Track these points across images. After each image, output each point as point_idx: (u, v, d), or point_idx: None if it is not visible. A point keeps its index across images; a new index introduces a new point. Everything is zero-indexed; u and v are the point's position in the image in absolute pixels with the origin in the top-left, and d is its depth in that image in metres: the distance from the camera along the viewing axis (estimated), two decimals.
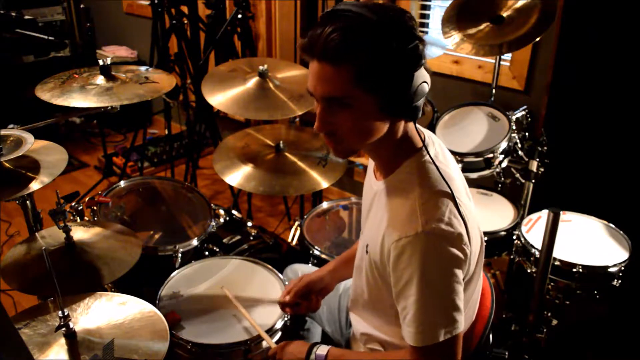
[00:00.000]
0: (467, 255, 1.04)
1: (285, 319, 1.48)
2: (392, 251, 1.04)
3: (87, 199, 1.88)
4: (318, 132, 1.07)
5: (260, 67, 2.05)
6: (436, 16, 2.68)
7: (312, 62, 1.02)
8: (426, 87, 1.03)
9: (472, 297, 1.19)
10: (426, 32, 2.73)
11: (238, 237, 2.03)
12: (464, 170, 1.19)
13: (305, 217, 2.09)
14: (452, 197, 1.05)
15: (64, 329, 1.12)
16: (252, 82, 2.05)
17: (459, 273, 1.03)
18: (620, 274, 1.77)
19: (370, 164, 1.27)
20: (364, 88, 0.99)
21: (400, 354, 1.13)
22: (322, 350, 1.24)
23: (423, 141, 1.12)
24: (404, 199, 1.07)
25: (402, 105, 1.02)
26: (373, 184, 1.21)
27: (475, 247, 1.10)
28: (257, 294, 1.56)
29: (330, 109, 1.03)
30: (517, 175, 2.16)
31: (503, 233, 2.02)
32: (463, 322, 1.03)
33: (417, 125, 1.17)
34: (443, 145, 1.22)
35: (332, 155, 2.06)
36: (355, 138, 1.07)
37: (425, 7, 2.73)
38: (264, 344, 1.41)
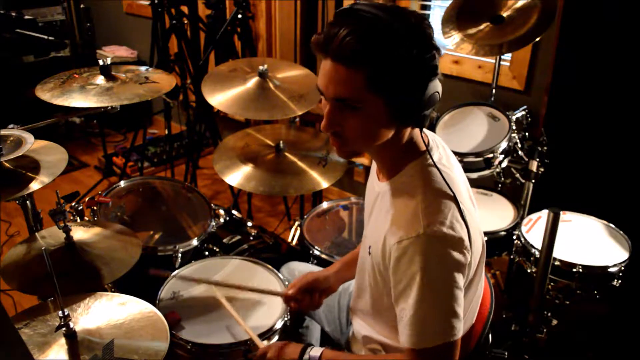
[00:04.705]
0: (468, 260, 1.04)
1: (285, 319, 1.48)
2: (393, 252, 1.04)
3: (87, 199, 1.88)
4: (325, 131, 1.07)
5: (260, 67, 2.04)
6: (436, 16, 2.68)
7: (325, 61, 1.01)
8: (437, 97, 1.02)
9: (472, 301, 1.19)
10: None
11: (238, 237, 2.03)
12: (464, 170, 1.19)
13: (305, 217, 2.09)
14: (455, 201, 1.05)
15: (64, 329, 1.12)
16: (252, 82, 2.05)
17: (459, 278, 1.02)
18: (620, 274, 1.77)
19: (373, 165, 1.27)
20: (376, 93, 0.98)
21: (396, 357, 1.12)
22: (316, 351, 1.23)
23: (427, 145, 1.12)
24: (406, 201, 1.07)
25: (412, 113, 1.02)
26: (376, 185, 1.21)
27: (476, 253, 1.10)
28: (257, 294, 1.56)
29: (339, 110, 1.03)
30: (517, 175, 2.16)
31: (503, 233, 2.02)
32: (461, 328, 1.02)
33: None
34: (448, 149, 1.22)
35: (332, 155, 2.06)
36: (361, 140, 1.07)
37: (425, 7, 2.73)
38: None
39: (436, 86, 1.01)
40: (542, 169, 2.08)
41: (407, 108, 1.01)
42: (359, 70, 0.97)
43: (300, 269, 1.68)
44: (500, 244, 2.04)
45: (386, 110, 1.01)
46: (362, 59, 0.95)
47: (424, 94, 0.99)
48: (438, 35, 2.28)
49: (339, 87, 1.00)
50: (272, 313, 1.49)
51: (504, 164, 2.07)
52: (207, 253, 1.92)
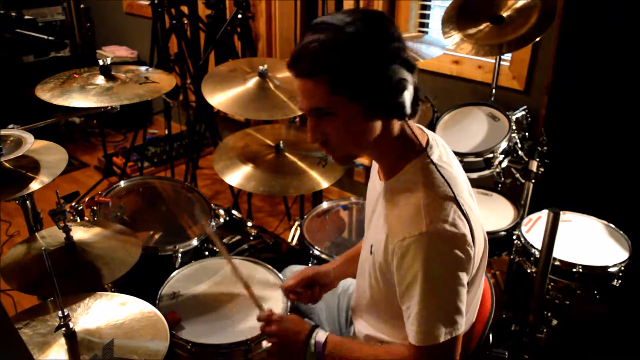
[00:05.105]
0: (471, 257, 1.04)
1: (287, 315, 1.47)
2: (396, 251, 1.05)
3: (87, 199, 1.88)
4: (312, 143, 1.11)
5: (260, 67, 2.04)
6: (436, 16, 2.68)
7: (296, 80, 1.07)
8: (405, 84, 1.03)
9: (473, 299, 1.19)
10: (426, 32, 2.73)
11: (238, 237, 2.03)
12: (464, 170, 1.21)
13: (305, 217, 2.09)
14: (456, 198, 1.05)
15: (64, 329, 1.12)
16: (252, 82, 2.05)
17: (462, 275, 1.03)
18: (620, 274, 1.77)
19: (374, 164, 1.28)
20: (342, 95, 1.02)
21: (399, 350, 1.13)
22: (321, 336, 1.22)
23: (427, 142, 1.13)
24: (408, 199, 1.08)
25: (385, 104, 1.04)
26: (377, 185, 1.22)
27: (478, 249, 1.10)
28: (257, 294, 1.56)
29: (318, 120, 1.08)
30: (517, 175, 2.16)
31: (503, 233, 2.02)
32: (464, 324, 1.04)
33: (421, 126, 1.18)
34: (447, 147, 1.22)
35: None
36: (348, 143, 1.10)
37: (425, 7, 2.72)
38: (264, 344, 1.40)
39: (398, 72, 1.02)
40: (542, 169, 2.08)
41: (377, 100, 1.03)
42: (320, 77, 1.02)
43: None
44: (500, 244, 2.04)
45: (359, 108, 1.04)
46: (319, 67, 1.01)
47: (389, 83, 1.01)
48: (438, 35, 2.28)
49: (310, 99, 1.05)
50: (274, 308, 1.48)
51: (504, 164, 2.07)
52: (207, 253, 1.92)
